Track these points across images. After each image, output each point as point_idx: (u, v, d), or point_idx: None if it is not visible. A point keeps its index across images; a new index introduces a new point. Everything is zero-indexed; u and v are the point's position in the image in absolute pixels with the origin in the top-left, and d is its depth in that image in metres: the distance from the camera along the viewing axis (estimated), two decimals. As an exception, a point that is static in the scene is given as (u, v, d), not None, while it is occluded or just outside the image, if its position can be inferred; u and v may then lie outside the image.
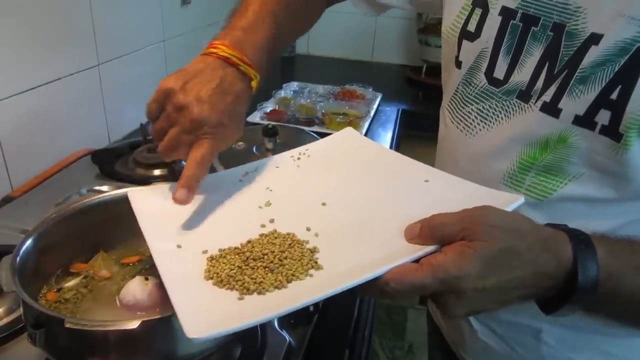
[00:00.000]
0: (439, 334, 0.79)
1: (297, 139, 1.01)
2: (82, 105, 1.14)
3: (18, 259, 0.51)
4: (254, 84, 0.59)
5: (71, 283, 0.58)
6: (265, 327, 0.63)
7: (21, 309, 0.51)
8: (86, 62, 1.13)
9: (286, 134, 0.98)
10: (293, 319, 0.67)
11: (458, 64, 0.63)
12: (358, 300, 0.80)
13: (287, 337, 0.63)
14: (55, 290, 0.57)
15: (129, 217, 0.66)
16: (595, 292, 0.41)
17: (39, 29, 0.98)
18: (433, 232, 0.42)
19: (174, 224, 0.53)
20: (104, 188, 0.94)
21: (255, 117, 1.41)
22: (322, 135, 1.03)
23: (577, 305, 0.42)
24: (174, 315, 0.44)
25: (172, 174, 0.99)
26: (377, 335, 2.00)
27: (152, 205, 0.56)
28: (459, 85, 0.64)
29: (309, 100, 1.50)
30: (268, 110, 1.44)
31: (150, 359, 0.47)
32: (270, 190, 0.59)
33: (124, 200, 0.65)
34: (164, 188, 0.60)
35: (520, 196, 0.47)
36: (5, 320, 0.63)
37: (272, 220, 0.52)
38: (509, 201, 0.46)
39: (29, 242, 0.54)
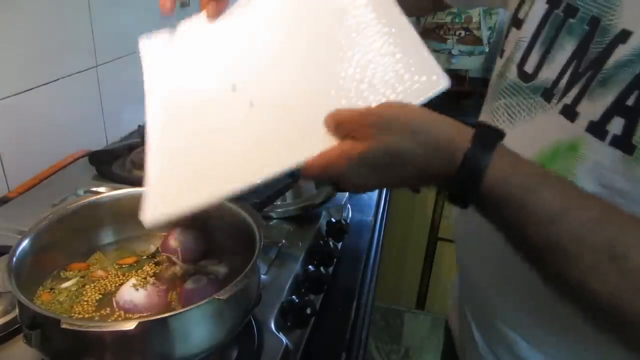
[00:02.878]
0: (451, 345, 0.79)
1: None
2: (80, 106, 1.14)
3: (14, 259, 0.51)
4: None
5: (67, 284, 0.58)
6: (262, 329, 0.63)
7: (17, 309, 0.51)
8: (84, 64, 1.13)
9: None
10: (290, 322, 0.67)
11: (501, 53, 0.59)
12: (355, 303, 0.80)
13: (284, 340, 0.63)
14: (49, 290, 0.57)
15: (125, 218, 0.66)
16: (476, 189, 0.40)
17: (37, 31, 0.97)
18: (337, 128, 0.45)
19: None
20: (101, 189, 0.94)
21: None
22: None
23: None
24: (170, 316, 0.44)
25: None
26: (373, 339, 2.00)
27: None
28: (494, 76, 0.60)
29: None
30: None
31: (147, 360, 0.47)
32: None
33: (120, 201, 0.66)
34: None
35: (444, 82, 0.45)
36: (0, 321, 0.63)
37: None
38: (431, 87, 0.45)
39: (25, 242, 0.54)
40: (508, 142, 0.48)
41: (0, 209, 0.88)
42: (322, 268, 0.79)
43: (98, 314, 0.54)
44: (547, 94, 0.50)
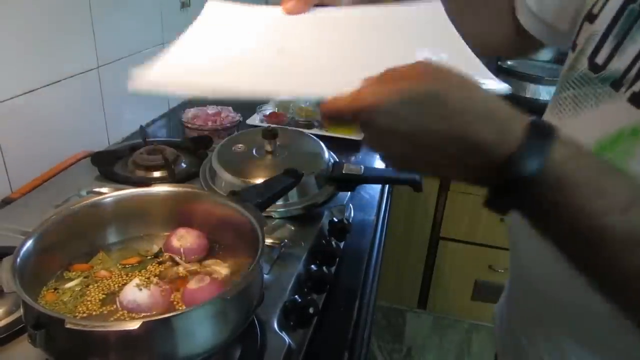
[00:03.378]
0: None
1: (296, 142, 1.01)
2: (82, 107, 1.14)
3: (18, 260, 0.51)
4: None
5: (71, 284, 0.58)
6: (264, 328, 0.63)
7: (21, 309, 0.51)
8: (86, 65, 1.13)
9: (286, 136, 0.98)
10: (293, 321, 0.67)
11: (573, 47, 0.60)
12: (357, 302, 0.80)
13: (287, 339, 0.63)
14: (53, 290, 0.57)
15: (128, 218, 0.66)
16: (533, 189, 0.35)
17: (38, 31, 0.98)
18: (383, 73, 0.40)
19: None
20: (104, 190, 0.94)
21: (255, 120, 1.41)
22: (321, 137, 1.04)
23: (514, 201, 0.37)
24: (174, 316, 0.44)
25: (172, 176, 0.99)
26: (375, 338, 2.00)
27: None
28: (564, 69, 0.61)
29: (308, 103, 1.51)
30: (267, 113, 1.44)
31: (151, 359, 0.47)
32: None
33: (123, 201, 0.66)
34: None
35: (505, 87, 0.44)
36: (5, 321, 0.63)
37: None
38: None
39: (29, 243, 0.54)
40: (571, 130, 0.44)
41: (3, 210, 0.89)
42: (324, 268, 0.79)
43: (102, 312, 0.54)
44: (616, 83, 0.51)
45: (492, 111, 0.37)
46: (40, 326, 0.45)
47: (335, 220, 0.89)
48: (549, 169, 0.36)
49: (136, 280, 0.56)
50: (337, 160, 0.98)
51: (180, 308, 0.55)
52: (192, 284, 0.56)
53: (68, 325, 0.42)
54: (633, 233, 0.35)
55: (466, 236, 1.89)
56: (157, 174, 1.02)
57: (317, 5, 0.60)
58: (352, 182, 0.91)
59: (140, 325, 0.42)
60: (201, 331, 0.48)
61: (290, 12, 0.59)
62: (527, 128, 0.37)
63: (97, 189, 0.93)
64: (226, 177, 0.88)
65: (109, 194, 0.65)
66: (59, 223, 0.59)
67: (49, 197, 0.90)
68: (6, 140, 0.94)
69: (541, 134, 0.37)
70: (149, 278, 0.57)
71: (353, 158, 1.25)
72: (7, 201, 0.93)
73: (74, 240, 0.62)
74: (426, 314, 2.11)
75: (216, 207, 0.66)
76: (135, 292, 0.55)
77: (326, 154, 0.95)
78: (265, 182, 0.74)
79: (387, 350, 1.98)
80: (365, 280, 0.86)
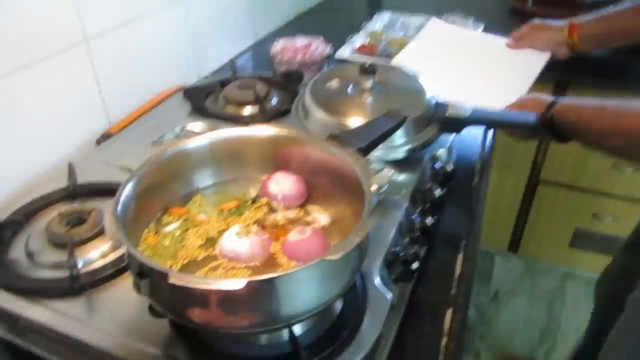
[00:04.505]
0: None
1: (396, 79, 0.92)
2: (171, 40, 1.12)
3: (119, 206, 0.49)
4: None
5: (171, 227, 0.57)
6: (365, 283, 0.60)
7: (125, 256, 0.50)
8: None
9: (384, 72, 0.89)
10: (394, 275, 0.63)
11: None
12: (461, 254, 0.74)
13: (388, 293, 0.59)
14: (155, 233, 0.56)
15: (224, 161, 0.64)
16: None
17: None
18: None
19: None
20: (197, 126, 0.93)
21: (345, 52, 1.33)
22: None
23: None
24: (278, 277, 0.41)
25: (263, 113, 0.95)
26: (461, 280, 1.95)
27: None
28: None
29: (402, 34, 1.39)
30: (358, 45, 1.35)
31: (253, 317, 0.44)
32: None
33: (220, 143, 0.63)
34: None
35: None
36: (111, 257, 0.64)
37: None
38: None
39: (128, 187, 0.53)
40: None
41: (103, 145, 0.90)
42: (426, 217, 0.73)
43: (203, 259, 0.53)
44: None
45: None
46: (144, 275, 0.44)
47: (438, 165, 0.81)
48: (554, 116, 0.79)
49: (235, 229, 0.53)
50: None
51: (281, 260, 0.52)
52: (293, 236, 0.52)
53: (171, 281, 0.40)
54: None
55: (570, 180, 1.73)
56: (247, 110, 0.99)
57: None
58: (457, 125, 0.82)
59: (245, 286, 0.40)
60: (306, 291, 0.45)
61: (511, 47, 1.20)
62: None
63: (190, 126, 0.92)
64: (320, 117, 0.82)
65: (204, 133, 0.62)
66: (156, 165, 0.57)
67: (145, 133, 0.90)
68: (103, 74, 0.95)
69: (551, 104, 0.80)
70: (248, 226, 0.54)
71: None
72: (106, 136, 0.94)
73: (171, 183, 0.60)
74: (516, 257, 2.01)
75: (316, 151, 0.61)
76: (235, 241, 0.52)
77: (428, 93, 0.86)
78: (365, 124, 0.68)
79: (473, 293, 1.93)
80: (469, 230, 0.79)
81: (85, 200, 0.74)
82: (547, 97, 0.82)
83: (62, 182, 0.76)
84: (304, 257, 0.51)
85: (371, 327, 0.56)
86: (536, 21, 1.23)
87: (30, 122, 0.84)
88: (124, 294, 0.59)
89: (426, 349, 0.62)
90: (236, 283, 0.39)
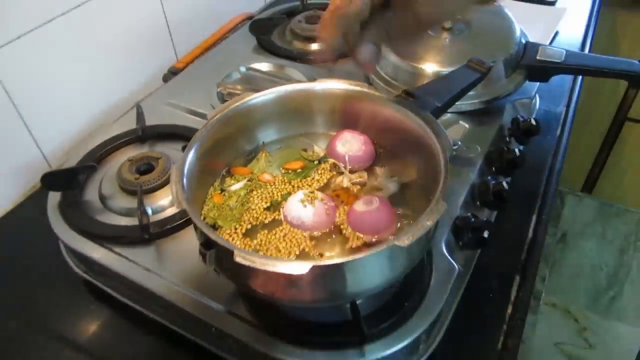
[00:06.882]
0: None
1: (480, 15, 0.83)
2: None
3: (185, 170, 0.49)
4: None
5: (236, 187, 0.56)
6: (431, 250, 0.57)
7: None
8: None
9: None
10: (462, 242, 0.60)
11: None
12: (534, 218, 0.70)
13: (457, 266, 0.56)
14: (220, 192, 0.56)
15: (289, 116, 0.61)
16: None
17: None
18: None
19: None
20: (263, 65, 0.90)
21: None
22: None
23: None
24: (345, 262, 0.40)
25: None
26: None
27: None
28: None
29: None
30: None
31: (316, 295, 0.44)
32: None
33: (285, 98, 0.60)
34: None
35: None
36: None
37: None
38: None
39: (193, 150, 0.51)
40: None
41: (169, 83, 0.89)
42: (502, 178, 0.68)
43: (267, 222, 0.52)
44: None
45: None
46: (210, 246, 0.44)
47: (520, 118, 0.75)
48: None
49: (300, 195, 0.52)
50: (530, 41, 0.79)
51: (346, 231, 0.50)
52: (360, 206, 0.50)
53: (237, 259, 0.39)
54: None
55: (663, 119, 1.58)
56: (315, 45, 0.94)
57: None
58: (547, 72, 0.74)
59: (310, 270, 0.38)
60: (371, 273, 0.44)
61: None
62: None
63: (256, 65, 0.88)
64: (392, 60, 0.76)
65: (272, 90, 0.59)
66: (220, 123, 0.55)
67: (210, 71, 0.88)
68: (169, 9, 0.92)
69: None
70: (313, 193, 0.52)
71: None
72: (173, 71, 0.93)
73: (236, 139, 0.59)
74: (590, 198, 1.90)
75: (388, 112, 0.57)
76: (299, 208, 0.51)
77: (517, 32, 0.77)
78: (444, 77, 0.62)
79: (538, 232, 1.86)
80: (545, 192, 0.74)
81: (153, 143, 0.74)
82: None
83: (130, 122, 0.76)
84: (369, 229, 0.49)
85: (435, 297, 0.54)
86: None
87: (103, 54, 0.84)
88: (191, 245, 0.60)
89: (491, 317, 0.60)
90: (300, 267, 0.38)
